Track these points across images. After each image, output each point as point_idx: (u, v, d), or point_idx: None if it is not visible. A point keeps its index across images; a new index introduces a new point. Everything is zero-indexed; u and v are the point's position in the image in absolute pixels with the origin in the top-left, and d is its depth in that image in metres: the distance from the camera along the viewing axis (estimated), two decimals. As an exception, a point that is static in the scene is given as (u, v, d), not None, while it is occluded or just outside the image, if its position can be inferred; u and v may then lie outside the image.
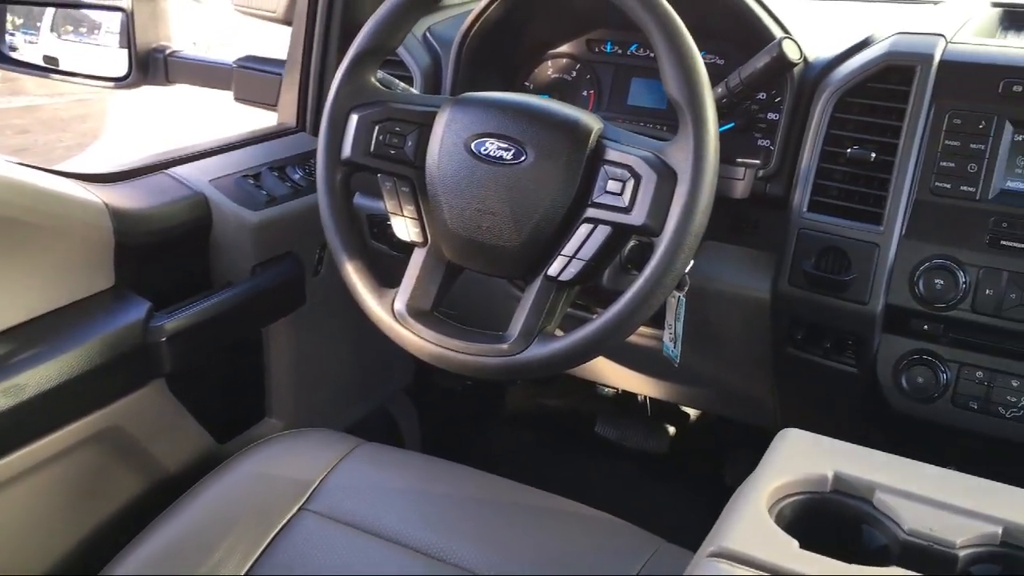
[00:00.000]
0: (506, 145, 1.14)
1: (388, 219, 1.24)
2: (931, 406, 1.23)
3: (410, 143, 1.20)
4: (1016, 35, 1.45)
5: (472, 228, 1.16)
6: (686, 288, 1.26)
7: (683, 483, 1.97)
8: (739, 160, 1.37)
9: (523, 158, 1.13)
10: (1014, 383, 1.19)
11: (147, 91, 1.90)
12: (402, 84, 1.43)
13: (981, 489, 0.90)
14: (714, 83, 1.30)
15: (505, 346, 1.14)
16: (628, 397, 1.99)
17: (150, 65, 1.82)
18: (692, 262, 1.22)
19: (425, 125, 1.19)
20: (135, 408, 1.33)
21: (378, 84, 1.25)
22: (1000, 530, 0.84)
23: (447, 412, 2.13)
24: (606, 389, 1.92)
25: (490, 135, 1.15)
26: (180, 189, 1.45)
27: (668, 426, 1.97)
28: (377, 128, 1.21)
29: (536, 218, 1.12)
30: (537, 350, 1.13)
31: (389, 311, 1.20)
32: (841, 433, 1.43)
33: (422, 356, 1.19)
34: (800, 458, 0.94)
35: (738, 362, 1.49)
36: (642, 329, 1.40)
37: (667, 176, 1.06)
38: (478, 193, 1.15)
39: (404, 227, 1.22)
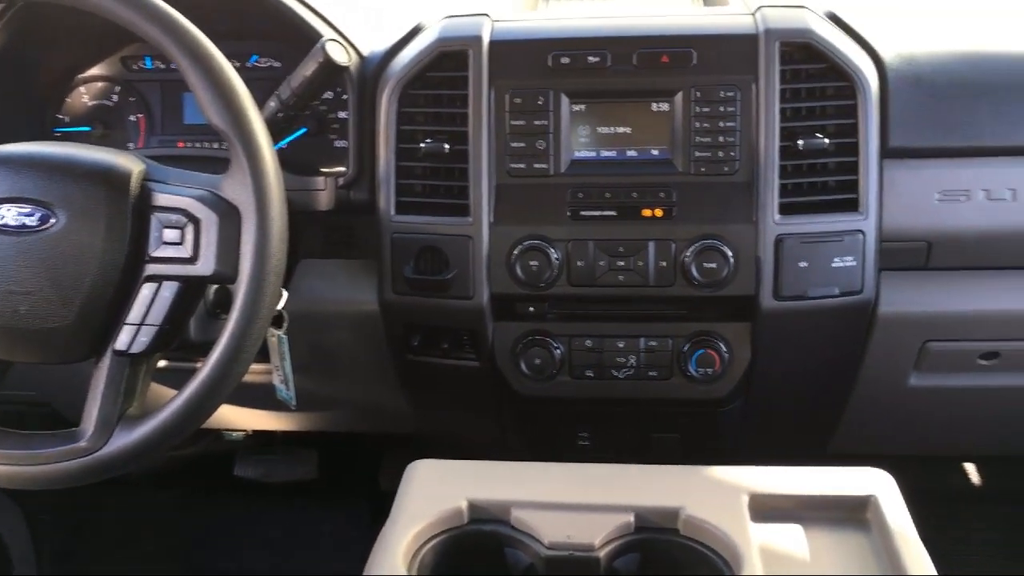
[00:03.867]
0: (28, 209, 0.94)
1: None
2: (553, 383, 1.24)
3: (-101, 225, 0.96)
4: (558, 2, 1.48)
5: (7, 315, 0.95)
6: (286, 325, 1.15)
7: (341, 504, 1.87)
8: (322, 170, 1.27)
9: (53, 222, 0.94)
10: (620, 344, 1.22)
11: None
12: None
13: (610, 477, 0.90)
14: (271, 90, 1.20)
15: (82, 444, 0.96)
16: (264, 428, 1.85)
17: None
18: (286, 295, 1.11)
19: (-86, 200, 0.96)
20: None
21: None
22: (632, 517, 0.84)
23: (58, 496, 1.84)
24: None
25: (4, 200, 0.94)
26: None
27: (313, 449, 1.86)
28: None
29: (85, 289, 0.94)
30: (122, 440, 0.96)
31: (-81, 436, 0.96)
32: (479, 426, 1.43)
33: None
34: (432, 493, 0.88)
35: (364, 379, 1.41)
36: (253, 367, 1.28)
37: (229, 215, 0.94)
38: (5, 272, 0.94)
39: (-84, 329, 0.98)
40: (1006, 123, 1.17)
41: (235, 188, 0.94)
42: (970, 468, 1.86)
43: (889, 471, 1.59)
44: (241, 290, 0.93)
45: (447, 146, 1.19)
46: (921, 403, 1.34)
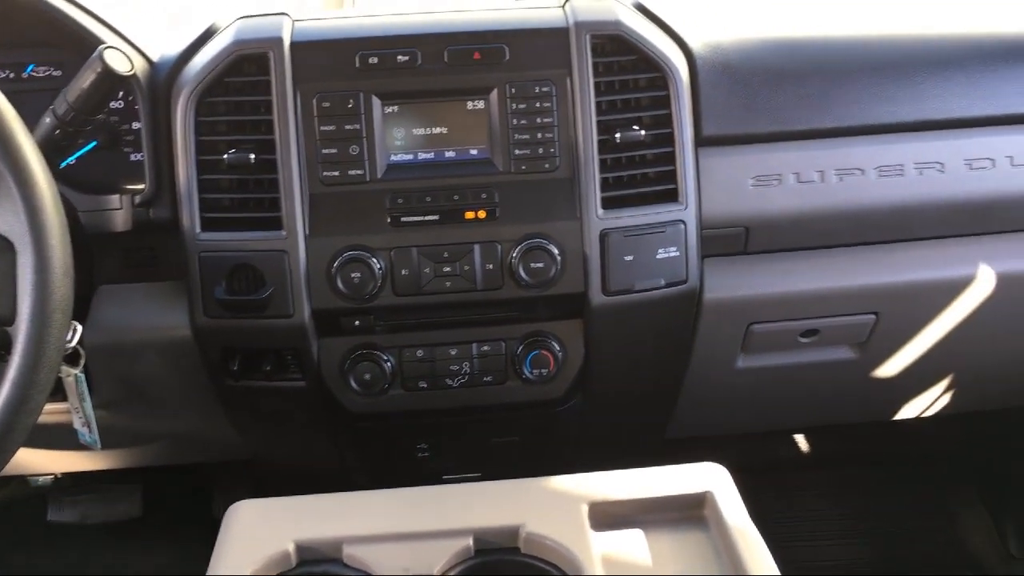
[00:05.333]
0: None
1: None
2: (386, 398, 1.19)
3: None
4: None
5: None
6: (83, 361, 1.05)
7: (171, 541, 1.74)
8: (122, 187, 1.16)
9: None
10: (452, 352, 1.18)
11: None
12: None
13: (447, 499, 0.86)
14: (49, 103, 1.08)
15: None
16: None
17: None
18: (80, 329, 1.01)
19: None
20: None
21: None
22: (471, 540, 0.80)
23: None
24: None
25: None
26: None
27: (136, 484, 1.73)
28: None
29: None
30: None
31: None
32: (315, 448, 1.36)
33: None
34: (256, 536, 0.81)
35: (184, 409, 1.32)
36: (53, 406, 1.16)
37: (1, 249, 0.84)
38: None
39: None
40: (810, 107, 1.20)
41: (5, 218, 0.84)
42: (798, 438, 1.94)
43: (724, 447, 1.63)
44: (21, 332, 0.84)
45: (253, 156, 1.11)
46: (749, 383, 1.38)
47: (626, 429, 1.43)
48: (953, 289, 1.27)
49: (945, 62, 1.23)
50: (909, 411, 1.52)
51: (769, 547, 0.81)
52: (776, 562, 0.79)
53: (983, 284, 1.26)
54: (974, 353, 1.39)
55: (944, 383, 1.45)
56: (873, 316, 1.28)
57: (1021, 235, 1.27)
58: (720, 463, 0.90)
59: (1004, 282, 1.26)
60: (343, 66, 1.12)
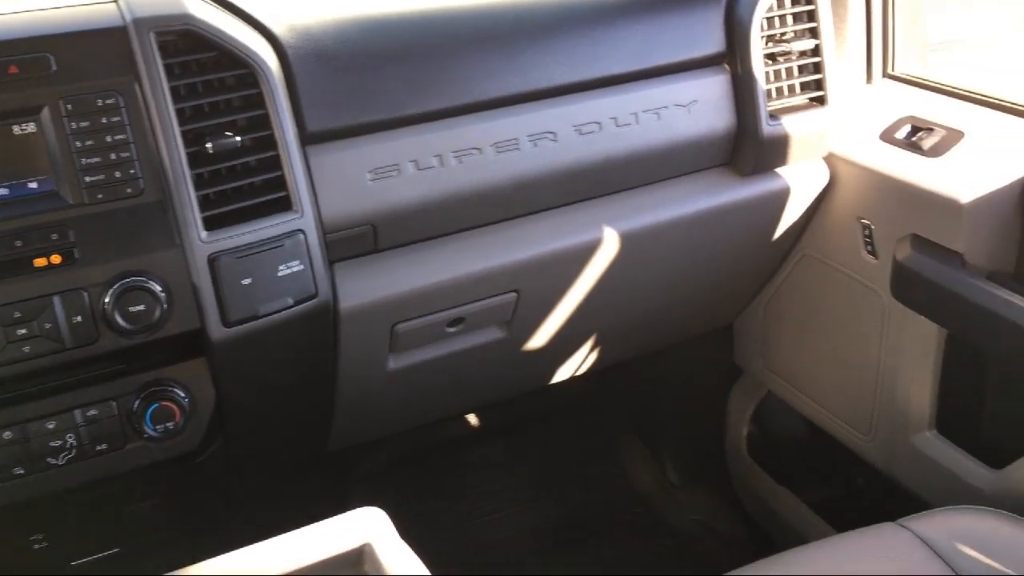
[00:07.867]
0: None
1: None
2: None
3: None
4: None
5: None
6: None
7: None
8: None
9: None
10: (50, 425, 0.99)
11: None
12: None
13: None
14: None
15: None
16: None
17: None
18: None
19: None
20: None
21: None
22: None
23: None
24: None
25: None
26: None
27: None
28: None
29: None
30: None
31: None
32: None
33: None
34: None
35: None
36: None
37: None
38: None
39: None
40: (417, 89, 1.13)
41: None
42: (468, 416, 1.93)
43: (391, 442, 1.55)
44: None
45: None
46: (405, 382, 1.31)
47: (283, 456, 1.31)
48: (583, 255, 1.28)
49: (545, 30, 1.21)
50: (564, 373, 1.54)
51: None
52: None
53: (608, 245, 1.28)
54: (612, 311, 1.42)
55: (590, 342, 1.48)
56: (514, 294, 1.26)
57: (634, 192, 1.31)
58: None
59: (625, 240, 1.29)
60: None
